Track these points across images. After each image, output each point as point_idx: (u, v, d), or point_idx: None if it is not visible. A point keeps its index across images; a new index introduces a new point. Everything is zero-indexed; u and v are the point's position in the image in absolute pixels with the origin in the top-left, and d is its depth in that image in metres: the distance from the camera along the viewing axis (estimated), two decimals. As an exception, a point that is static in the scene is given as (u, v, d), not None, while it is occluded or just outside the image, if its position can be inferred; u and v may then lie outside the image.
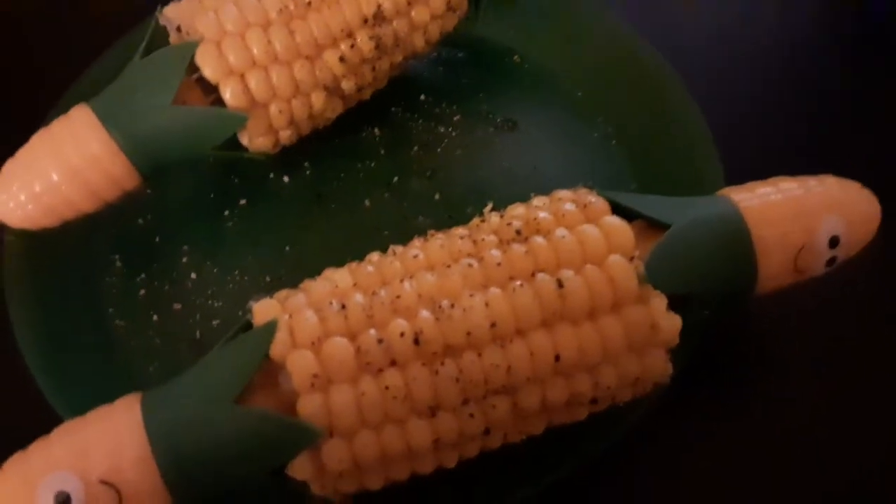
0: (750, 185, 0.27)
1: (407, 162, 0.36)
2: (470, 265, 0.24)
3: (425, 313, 0.23)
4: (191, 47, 0.30)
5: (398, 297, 0.23)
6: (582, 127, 0.37)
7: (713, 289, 0.26)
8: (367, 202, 0.35)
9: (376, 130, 0.36)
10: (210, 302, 0.32)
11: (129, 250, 0.33)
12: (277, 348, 0.23)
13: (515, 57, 0.39)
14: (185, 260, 0.33)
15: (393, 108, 0.37)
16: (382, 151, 0.36)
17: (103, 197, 0.31)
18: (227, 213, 0.34)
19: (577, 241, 0.24)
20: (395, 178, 0.35)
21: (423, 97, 0.37)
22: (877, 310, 0.32)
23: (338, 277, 0.25)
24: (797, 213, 0.26)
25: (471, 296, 0.23)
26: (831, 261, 0.26)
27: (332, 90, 0.33)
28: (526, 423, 0.24)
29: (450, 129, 0.37)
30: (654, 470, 0.29)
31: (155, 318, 0.32)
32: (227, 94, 0.30)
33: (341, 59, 0.32)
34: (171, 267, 0.33)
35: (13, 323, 0.30)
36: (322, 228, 0.34)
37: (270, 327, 0.23)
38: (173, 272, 0.33)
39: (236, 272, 0.32)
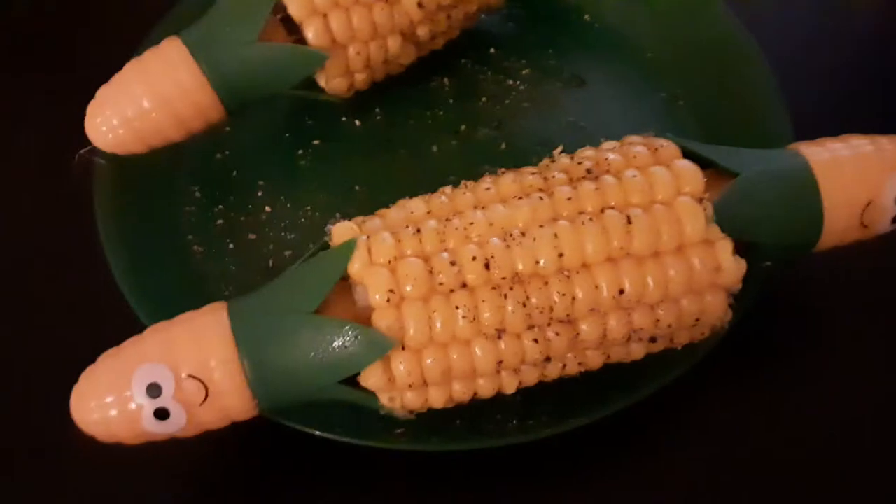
0: (821, 140, 0.28)
1: (474, 112, 0.37)
2: (540, 199, 0.25)
3: (496, 240, 0.24)
4: (278, -15, 0.31)
5: (471, 224, 0.24)
6: (649, 86, 0.37)
7: (779, 238, 0.26)
8: (434, 148, 0.36)
9: (446, 81, 0.37)
10: (283, 234, 0.33)
11: (207, 183, 0.35)
12: (356, 266, 0.24)
13: (586, 16, 0.39)
14: (260, 194, 0.35)
15: (463, 60, 0.38)
16: (451, 101, 0.37)
17: (189, 126, 0.32)
18: (300, 152, 0.36)
19: (646, 181, 0.25)
20: (463, 127, 0.36)
21: (492, 51, 0.38)
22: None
23: (412, 205, 0.26)
24: (866, 169, 0.26)
25: (540, 227, 0.24)
26: None
27: (408, 35, 0.34)
28: (585, 356, 0.25)
29: (518, 83, 0.38)
30: (701, 419, 0.30)
31: (231, 246, 0.33)
32: (310, 33, 0.32)
33: (419, 4, 0.33)
34: (247, 200, 0.34)
35: (104, 244, 0.32)
36: (390, 171, 0.35)
37: (349, 246, 0.24)
38: (249, 205, 0.34)
39: (308, 207, 0.34)
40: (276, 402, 0.24)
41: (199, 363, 0.23)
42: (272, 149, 0.36)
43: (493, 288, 0.24)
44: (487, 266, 0.24)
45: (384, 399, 0.25)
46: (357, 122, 0.36)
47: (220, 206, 0.34)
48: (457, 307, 0.23)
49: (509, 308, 0.24)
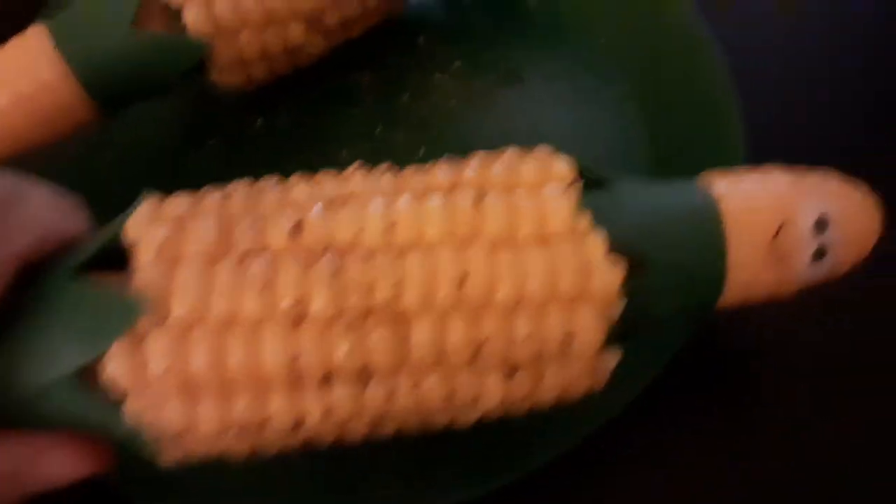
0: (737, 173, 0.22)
1: (394, 111, 0.32)
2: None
3: (317, 206, 0.19)
4: (152, -35, 0.28)
5: (289, 191, 0.20)
6: (596, 84, 0.32)
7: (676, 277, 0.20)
8: (344, 153, 0.31)
9: (365, 74, 0.33)
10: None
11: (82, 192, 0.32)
12: (135, 221, 0.20)
13: (529, 1, 0.35)
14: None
15: (386, 52, 0.33)
16: (369, 97, 0.33)
17: (56, 128, 0.29)
18: (192, 153, 0.32)
19: (511, 169, 0.20)
20: (379, 129, 0.32)
21: (421, 40, 0.34)
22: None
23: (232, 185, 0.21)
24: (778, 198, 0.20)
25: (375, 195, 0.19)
26: (819, 254, 0.20)
27: (314, 23, 0.30)
28: (419, 376, 0.19)
29: (447, 77, 0.33)
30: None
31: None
32: (190, 18, 0.28)
33: (321, -16, 0.29)
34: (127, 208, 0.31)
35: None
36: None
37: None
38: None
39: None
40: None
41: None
42: (160, 149, 0.32)
43: (304, 254, 0.19)
44: (299, 229, 0.19)
45: (131, 407, 0.18)
46: (259, 121, 0.33)
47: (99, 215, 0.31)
48: (246, 272, 0.18)
49: (315, 277, 0.18)
